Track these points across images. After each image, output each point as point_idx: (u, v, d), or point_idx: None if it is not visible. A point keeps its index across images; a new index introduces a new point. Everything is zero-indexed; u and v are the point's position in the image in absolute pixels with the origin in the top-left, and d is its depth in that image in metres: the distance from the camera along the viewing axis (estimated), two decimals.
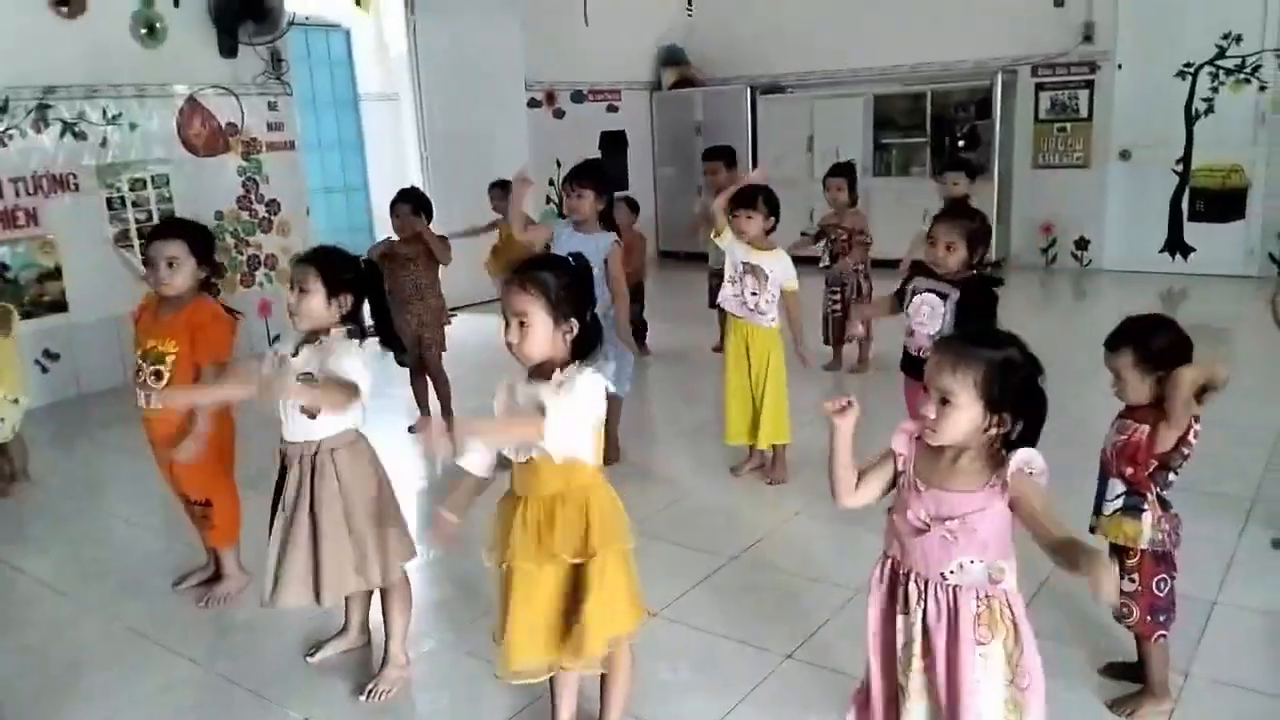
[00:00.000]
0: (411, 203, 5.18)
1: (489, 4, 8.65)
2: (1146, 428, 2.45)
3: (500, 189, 6.87)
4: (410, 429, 5.27)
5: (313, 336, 2.74)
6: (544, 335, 2.20)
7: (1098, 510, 2.60)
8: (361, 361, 2.69)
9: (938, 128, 9.34)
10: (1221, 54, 8.20)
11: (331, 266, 2.73)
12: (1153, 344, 2.44)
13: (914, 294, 3.59)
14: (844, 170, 6.15)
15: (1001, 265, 8.85)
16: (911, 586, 2.02)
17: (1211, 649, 2.87)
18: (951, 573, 1.96)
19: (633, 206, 6.98)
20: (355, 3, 7.67)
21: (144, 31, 6.51)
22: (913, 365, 3.59)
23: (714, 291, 6.49)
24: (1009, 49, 9.03)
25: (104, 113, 6.38)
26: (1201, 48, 8.26)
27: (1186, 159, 8.51)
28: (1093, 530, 2.62)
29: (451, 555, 3.65)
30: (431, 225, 5.24)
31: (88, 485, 4.85)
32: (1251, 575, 3.32)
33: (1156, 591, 2.53)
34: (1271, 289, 3.56)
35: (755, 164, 9.91)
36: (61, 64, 6.14)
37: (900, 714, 2.06)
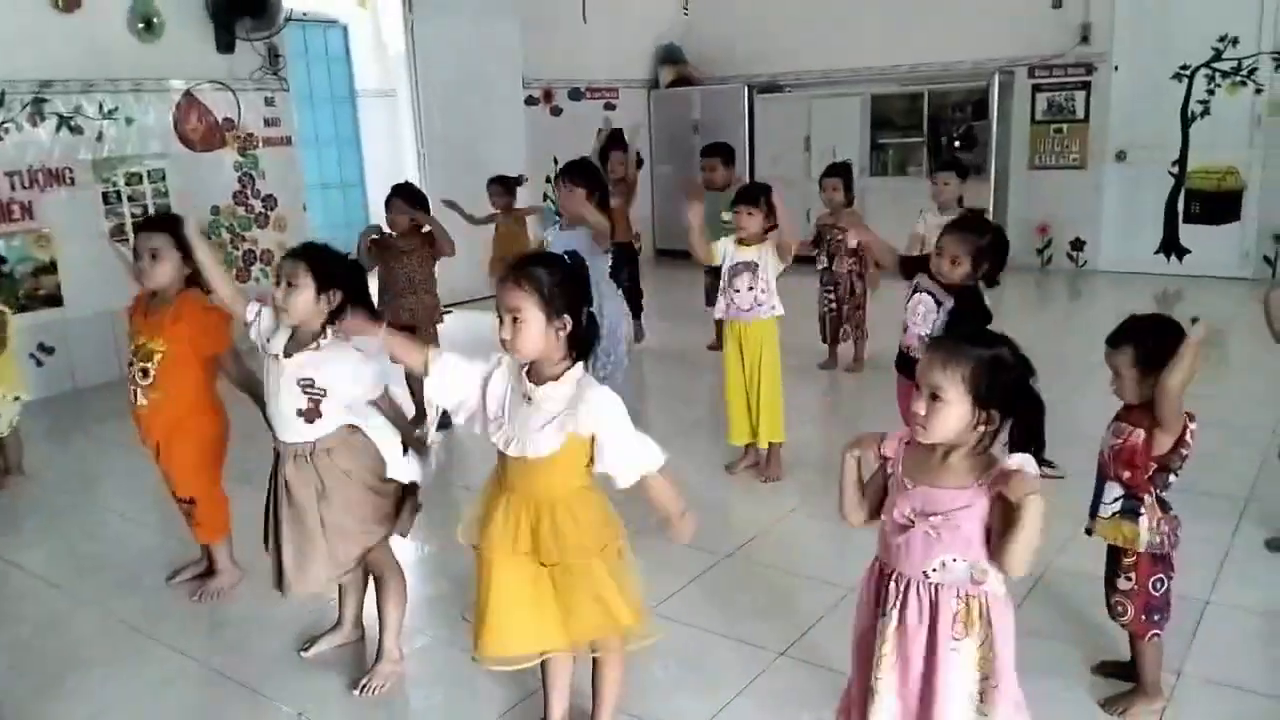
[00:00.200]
0: (404, 197, 5.16)
1: (487, 1, 8.65)
2: (1142, 432, 2.46)
3: (499, 185, 6.87)
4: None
5: (304, 339, 2.74)
6: (537, 332, 2.20)
7: (1094, 513, 2.60)
8: (357, 370, 2.71)
9: (935, 128, 9.35)
10: (1218, 56, 8.22)
11: (321, 261, 2.72)
12: (1154, 343, 2.44)
13: (915, 290, 3.59)
14: (840, 170, 6.14)
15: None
16: (892, 586, 2.02)
17: (1204, 648, 2.88)
18: (934, 570, 1.96)
19: (637, 161, 6.85)
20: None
21: (141, 26, 6.50)
22: (905, 363, 3.60)
23: (710, 291, 6.50)
24: (1006, 50, 9.04)
25: (100, 107, 6.37)
26: (1198, 50, 8.28)
27: (1182, 161, 8.53)
28: (1089, 533, 2.63)
29: (446, 551, 3.65)
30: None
31: (82, 480, 4.85)
32: (1245, 575, 3.33)
33: (1152, 591, 2.54)
34: (1265, 290, 3.57)
35: (753, 164, 9.93)
36: (58, 58, 6.13)
37: (868, 713, 2.07)
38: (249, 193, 7.22)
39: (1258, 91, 8.12)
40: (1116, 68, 8.65)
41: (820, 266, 6.17)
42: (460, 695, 2.86)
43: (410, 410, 5.25)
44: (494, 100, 8.85)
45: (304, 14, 8.45)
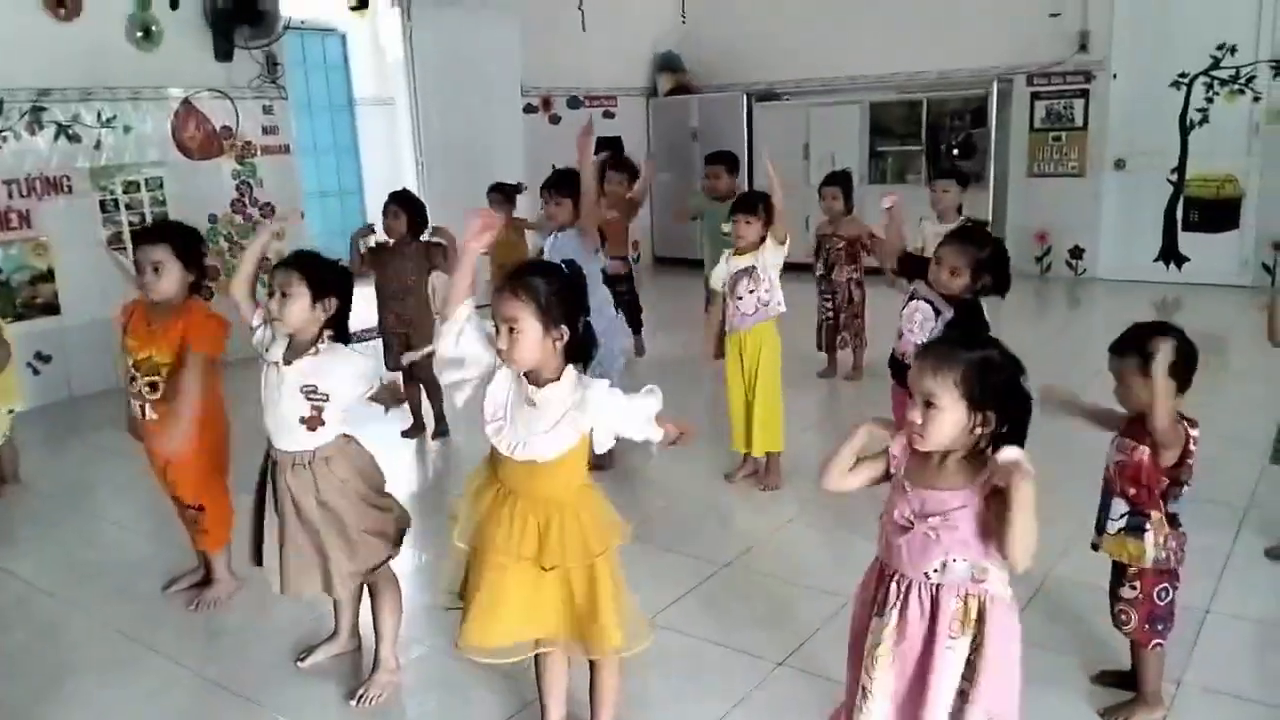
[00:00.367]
0: (402, 204, 5.15)
1: (485, 9, 8.65)
2: (1147, 449, 2.45)
3: (499, 193, 6.86)
4: (403, 434, 5.26)
5: (302, 346, 2.73)
6: (534, 341, 2.19)
7: (1101, 529, 2.59)
8: (357, 369, 2.70)
9: (933, 136, 9.35)
10: (1216, 64, 8.23)
11: (316, 270, 2.72)
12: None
13: (912, 297, 3.58)
14: (839, 179, 6.15)
15: None
16: (893, 587, 2.03)
17: (1204, 657, 2.87)
18: (935, 571, 1.97)
19: (632, 173, 6.84)
20: (351, 7, 7.66)
21: (139, 34, 6.50)
22: (901, 370, 3.59)
23: (710, 300, 6.48)
24: (1005, 58, 9.04)
25: (98, 115, 6.37)
26: (1196, 58, 8.29)
27: (1181, 169, 8.53)
28: (1096, 549, 2.61)
29: (442, 560, 3.63)
30: (424, 231, 5.21)
31: (78, 488, 4.83)
32: (1244, 584, 3.31)
33: (1157, 600, 2.53)
34: (1268, 297, 3.56)
35: (751, 172, 9.93)
36: (57, 66, 6.12)
37: (856, 713, 2.07)
38: (247, 201, 7.21)
39: (1256, 99, 8.13)
40: (1115, 75, 8.66)
41: (818, 274, 6.16)
42: (456, 705, 2.84)
43: (401, 420, 5.30)
44: (492, 108, 8.85)
45: (302, 22, 8.45)
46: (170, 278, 3.22)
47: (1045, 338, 7.14)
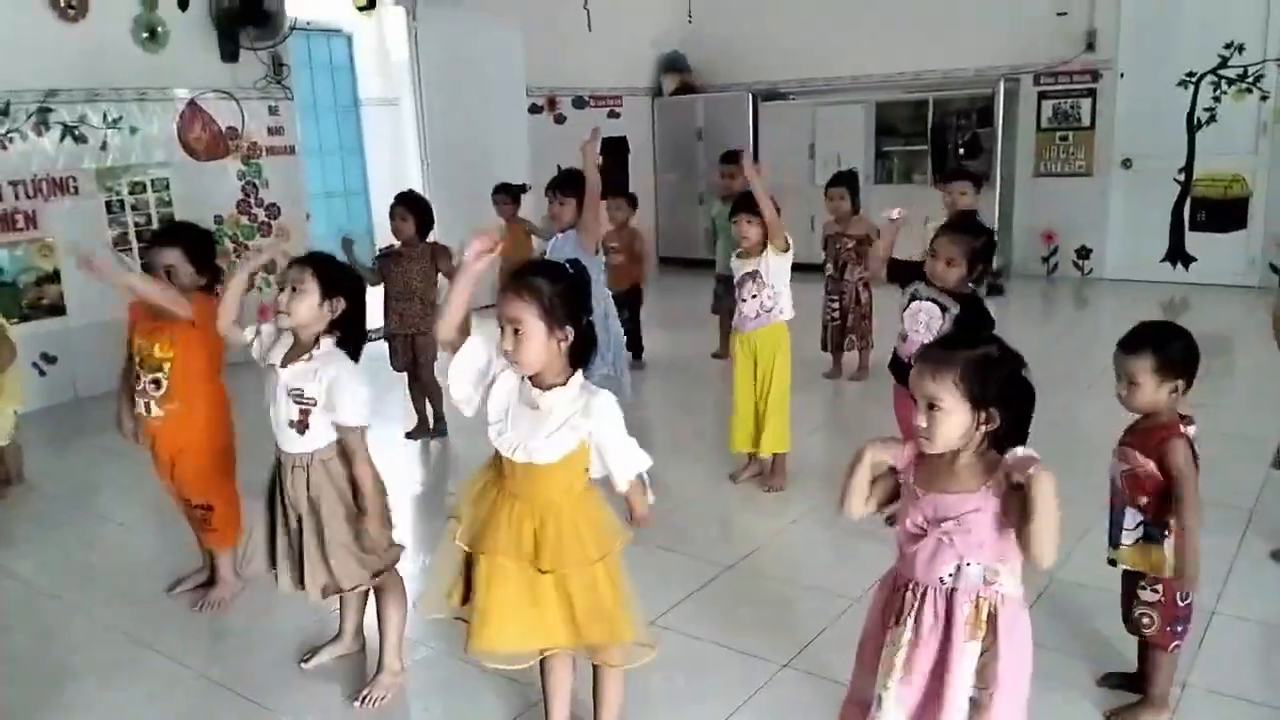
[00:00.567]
0: (408, 205, 5.15)
1: (490, 9, 8.66)
2: (1153, 464, 2.44)
3: (504, 194, 6.87)
4: (408, 435, 5.26)
5: (300, 349, 2.73)
6: (538, 342, 2.19)
7: (1115, 542, 2.57)
8: (350, 374, 2.69)
9: (939, 135, 9.33)
10: (1224, 63, 8.20)
11: (327, 269, 2.73)
12: (1171, 351, 2.43)
13: (913, 299, 3.57)
14: (845, 179, 6.14)
15: (1002, 274, 8.85)
16: (908, 595, 2.02)
17: (1209, 660, 2.86)
18: (950, 575, 1.97)
19: (631, 202, 6.93)
20: (359, 7, 7.66)
21: (145, 35, 6.51)
22: (902, 372, 3.58)
23: (718, 297, 6.49)
24: (1011, 57, 9.02)
25: (104, 116, 6.37)
26: (1204, 57, 8.26)
27: (1188, 168, 8.51)
28: (1113, 563, 2.60)
29: (438, 565, 3.64)
30: (431, 232, 5.21)
31: (83, 489, 4.83)
32: (1250, 586, 3.30)
33: (1179, 603, 2.52)
34: (1274, 299, 3.55)
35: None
36: (63, 67, 6.13)
37: None
38: (252, 201, 7.22)
39: (1264, 98, 8.11)
40: (1122, 75, 8.64)
41: (827, 274, 6.14)
42: (461, 706, 2.84)
43: (404, 421, 5.31)
44: (497, 108, 8.85)
45: (308, 23, 8.45)
46: (182, 281, 3.23)
47: (1052, 337, 7.13)
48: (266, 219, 7.29)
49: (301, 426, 2.69)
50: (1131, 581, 2.59)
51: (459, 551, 2.38)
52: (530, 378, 2.26)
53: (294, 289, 2.68)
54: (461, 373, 2.32)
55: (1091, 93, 8.83)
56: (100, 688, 3.00)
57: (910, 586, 2.02)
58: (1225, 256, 8.47)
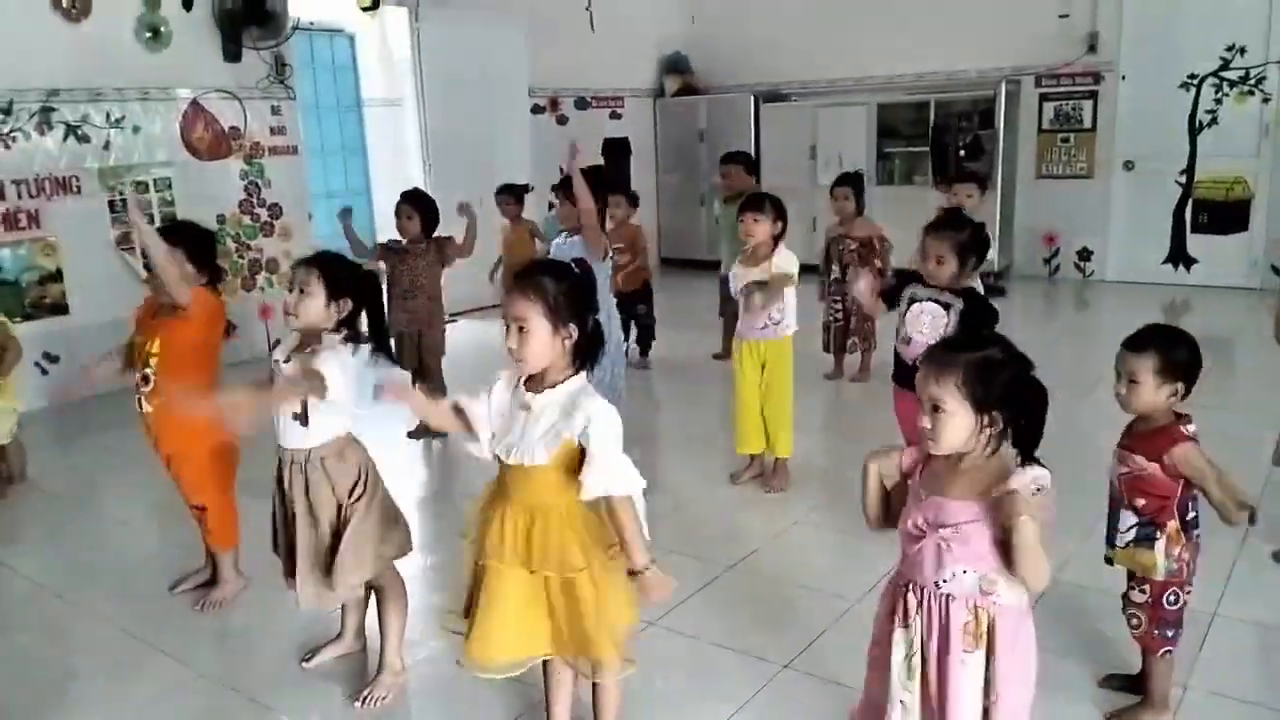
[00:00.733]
0: (414, 203, 5.16)
1: (493, 10, 8.67)
2: (1157, 466, 2.44)
3: (509, 194, 6.88)
4: (410, 434, 5.26)
5: (305, 343, 2.74)
6: (543, 341, 2.19)
7: (1111, 541, 2.58)
8: (340, 366, 2.69)
9: (941, 137, 9.33)
10: (1226, 66, 8.20)
11: (333, 269, 2.74)
12: (1176, 353, 2.43)
13: (911, 302, 3.57)
14: (851, 180, 6.13)
15: (1004, 276, 8.85)
16: (910, 597, 2.02)
17: (1210, 662, 2.86)
18: (945, 581, 1.96)
19: (632, 200, 6.95)
20: (363, 7, 7.65)
21: (148, 35, 6.52)
22: (909, 375, 3.57)
23: (725, 299, 6.48)
24: (1013, 59, 9.03)
25: (107, 116, 6.38)
26: (1206, 59, 8.26)
27: (1190, 170, 8.51)
28: (1110, 561, 2.61)
29: (448, 563, 3.64)
30: (436, 229, 5.22)
31: (86, 488, 4.84)
32: (1251, 588, 3.30)
33: (1165, 605, 2.52)
34: (1275, 300, 3.55)
35: (759, 173, 9.90)
36: (66, 67, 6.15)
37: None
38: (254, 201, 7.23)
39: (1265, 101, 8.11)
40: (1124, 77, 8.64)
41: (833, 276, 6.13)
42: (461, 707, 2.84)
43: (406, 421, 5.30)
44: (500, 109, 8.87)
45: (311, 23, 8.45)
46: (184, 279, 3.24)
47: (1054, 339, 7.13)
48: (269, 219, 7.30)
49: (303, 419, 2.70)
50: (1128, 582, 2.60)
51: (470, 564, 2.39)
52: (529, 380, 2.27)
53: (301, 291, 2.70)
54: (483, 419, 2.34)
55: (1093, 95, 8.83)
56: (104, 686, 3.01)
57: (910, 587, 2.03)
58: (1227, 259, 8.46)
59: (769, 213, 4.16)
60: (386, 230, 5.51)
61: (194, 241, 3.32)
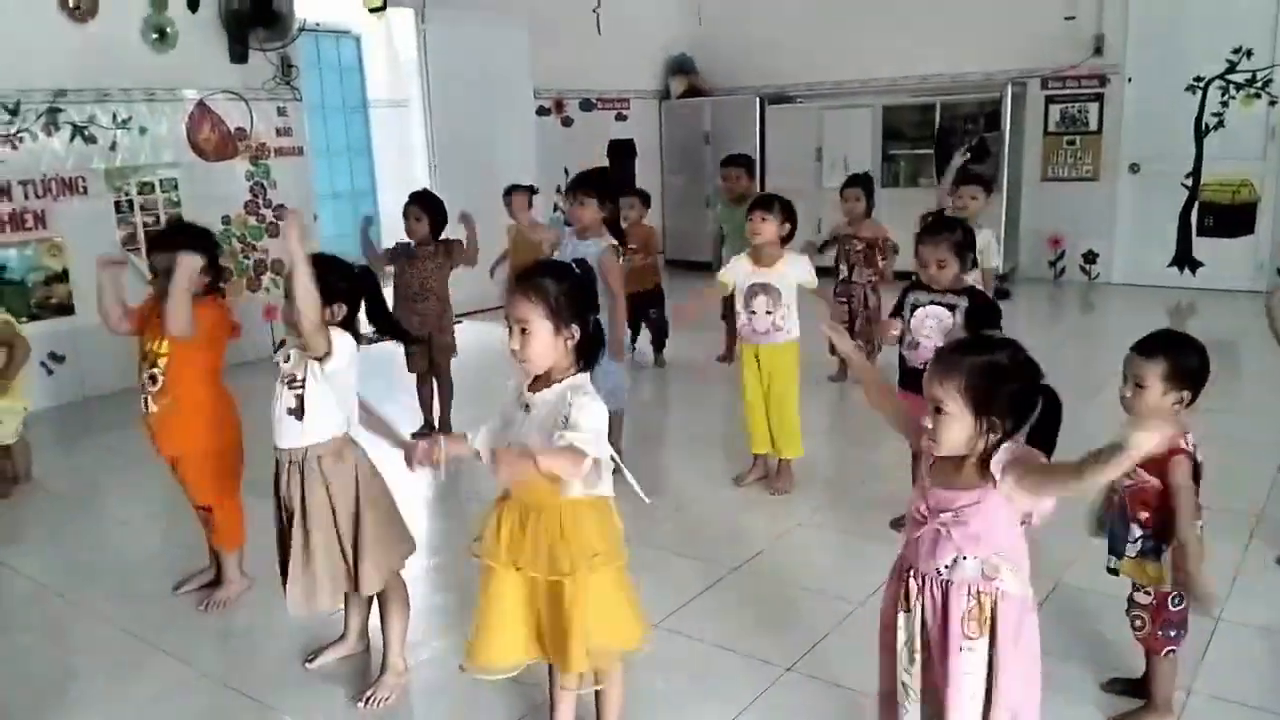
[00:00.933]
0: (422, 204, 5.16)
1: (499, 12, 8.68)
2: (1157, 480, 2.43)
3: (520, 193, 6.88)
4: (414, 435, 5.25)
5: (298, 344, 2.75)
6: (545, 342, 2.20)
7: (1118, 553, 2.57)
8: (344, 342, 2.71)
9: (946, 139, 9.32)
10: (1232, 68, 8.19)
11: (323, 275, 2.72)
12: (1185, 360, 2.42)
13: (914, 307, 3.57)
14: (861, 181, 6.14)
15: (1009, 278, 8.83)
16: (912, 583, 2.05)
17: (1214, 666, 2.85)
18: (946, 567, 1.98)
19: (644, 200, 6.97)
20: (371, 9, 7.67)
21: (155, 36, 6.53)
22: (914, 379, 3.57)
23: (726, 302, 6.48)
24: (1018, 61, 9.02)
25: (114, 117, 6.40)
26: (1212, 62, 8.25)
27: (1196, 173, 8.49)
28: (1115, 572, 2.60)
29: (451, 563, 3.65)
30: (444, 231, 5.22)
31: (90, 488, 4.85)
32: (1255, 592, 3.29)
33: (1171, 607, 2.51)
34: (1267, 295, 3.55)
35: (764, 175, 9.90)
36: (72, 68, 6.16)
37: (898, 712, 2.10)
38: (260, 202, 7.24)
39: (1272, 103, 8.09)
40: (1130, 79, 8.63)
41: (841, 277, 6.12)
42: (464, 708, 2.84)
43: (410, 422, 5.31)
44: (505, 110, 8.87)
45: (317, 24, 8.48)
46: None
47: (1059, 342, 7.11)
48: (274, 219, 7.31)
49: (299, 412, 2.70)
50: (1133, 584, 2.59)
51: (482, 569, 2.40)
52: (533, 380, 2.29)
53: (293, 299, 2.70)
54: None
55: (1099, 97, 8.81)
56: (106, 686, 3.01)
57: (912, 573, 2.05)
58: (1233, 262, 8.44)
59: (778, 213, 4.15)
60: (391, 231, 5.51)
61: (194, 242, 3.29)
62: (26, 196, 6.04)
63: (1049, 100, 9.05)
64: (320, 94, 9.75)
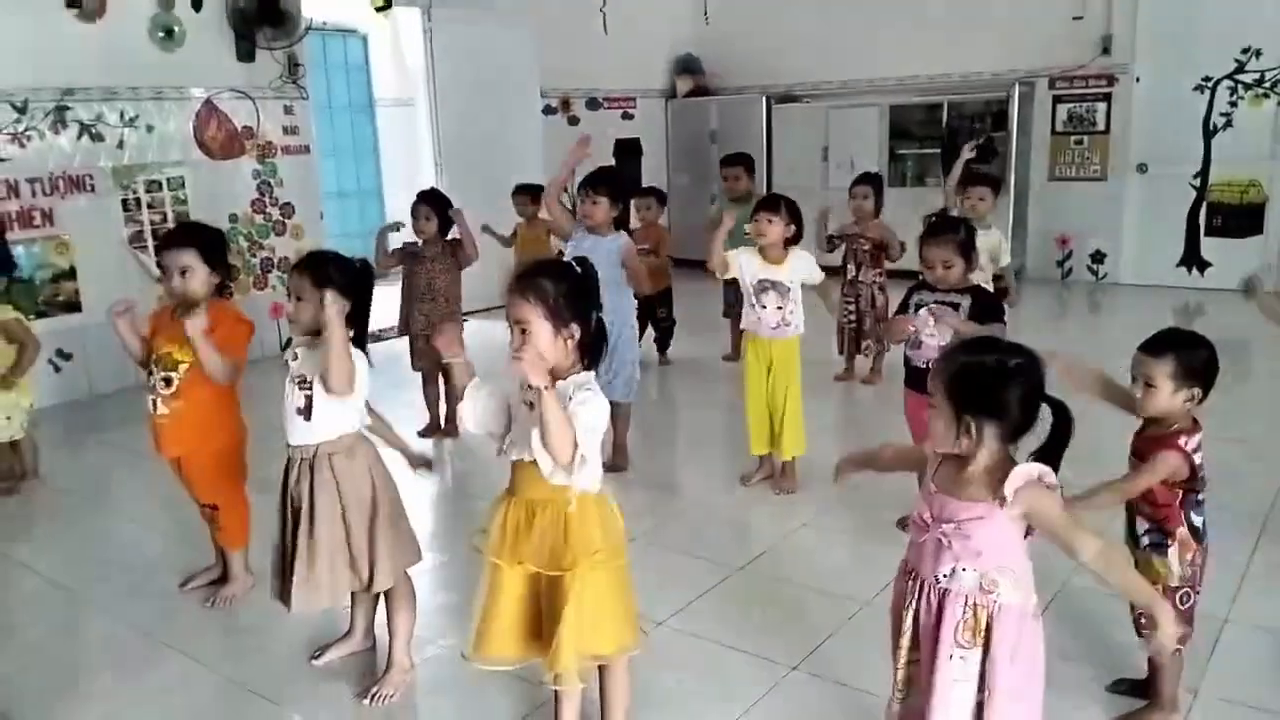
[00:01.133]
0: (430, 203, 5.16)
1: (505, 11, 8.68)
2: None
3: (525, 193, 6.89)
4: (420, 433, 5.26)
5: (306, 341, 2.77)
6: (545, 342, 2.19)
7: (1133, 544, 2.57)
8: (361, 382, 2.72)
9: (953, 139, 9.29)
10: (1240, 68, 8.16)
11: (324, 273, 2.73)
12: (1193, 357, 2.42)
13: (918, 308, 3.57)
14: (871, 179, 6.13)
15: (1017, 278, 8.79)
16: (910, 584, 2.06)
17: (1222, 666, 2.85)
18: (945, 576, 1.99)
19: (661, 199, 6.97)
20: (377, 8, 7.67)
21: (162, 35, 6.54)
22: (920, 378, 3.56)
23: (729, 302, 6.48)
24: (1026, 61, 8.99)
25: (121, 115, 6.41)
26: (1220, 61, 8.22)
27: (1204, 173, 8.47)
28: None
29: (457, 560, 3.65)
30: (451, 231, 5.22)
31: (96, 485, 4.86)
32: (1263, 592, 3.28)
33: (1178, 605, 2.50)
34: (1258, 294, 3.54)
35: (770, 174, 9.90)
36: (80, 66, 6.17)
37: (890, 703, 2.16)
38: (267, 200, 7.26)
39: None
40: (1138, 79, 8.60)
41: (849, 276, 6.11)
42: (470, 705, 2.84)
43: (416, 420, 5.32)
44: (511, 109, 8.87)
45: (324, 23, 8.49)
46: (197, 280, 3.24)
47: (1066, 342, 7.09)
48: (281, 218, 7.32)
49: (307, 412, 2.71)
50: None
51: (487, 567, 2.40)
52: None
53: (298, 298, 2.73)
54: (483, 412, 2.37)
55: (1107, 97, 8.79)
56: (113, 682, 3.02)
57: (914, 575, 2.06)
58: (1241, 262, 8.37)
59: (783, 215, 4.15)
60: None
61: (206, 242, 3.30)
62: (34, 194, 6.05)
63: (1057, 100, 9.02)
64: (327, 93, 9.76)
